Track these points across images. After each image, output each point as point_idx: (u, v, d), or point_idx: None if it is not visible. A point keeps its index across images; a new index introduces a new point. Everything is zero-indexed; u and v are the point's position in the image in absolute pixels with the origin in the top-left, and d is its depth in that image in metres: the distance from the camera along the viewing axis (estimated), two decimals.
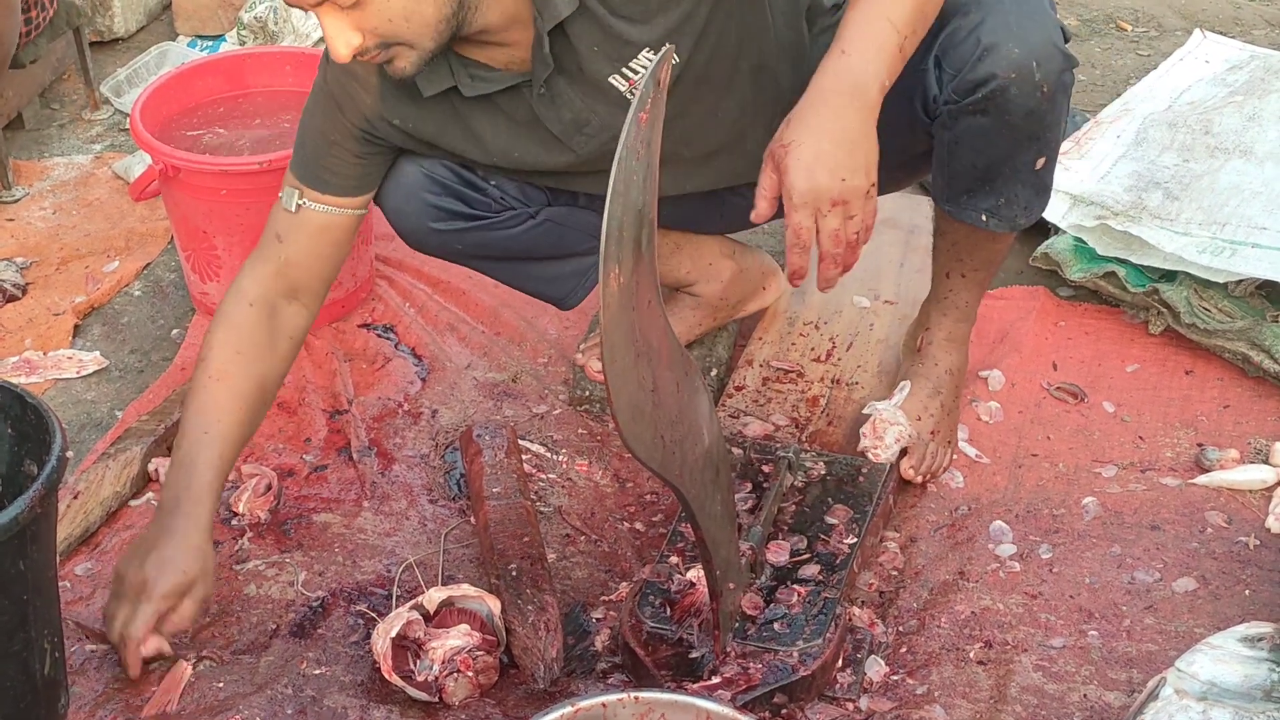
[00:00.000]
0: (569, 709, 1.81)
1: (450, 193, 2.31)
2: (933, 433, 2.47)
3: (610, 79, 2.12)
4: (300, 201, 2.26)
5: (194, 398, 2.22)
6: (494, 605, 2.13)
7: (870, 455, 2.43)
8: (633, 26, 2.06)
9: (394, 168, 2.31)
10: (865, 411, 2.50)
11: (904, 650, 2.18)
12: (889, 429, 2.44)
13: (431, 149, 2.27)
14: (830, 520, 2.31)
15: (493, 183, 2.34)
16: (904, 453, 2.46)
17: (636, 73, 2.11)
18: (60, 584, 2.08)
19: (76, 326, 2.95)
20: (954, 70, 2.11)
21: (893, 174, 2.26)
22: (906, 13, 1.92)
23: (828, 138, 1.86)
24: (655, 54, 2.06)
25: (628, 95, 2.12)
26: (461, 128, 2.22)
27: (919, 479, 2.46)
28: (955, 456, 2.51)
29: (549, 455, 2.59)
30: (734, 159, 2.32)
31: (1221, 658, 1.97)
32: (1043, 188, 2.27)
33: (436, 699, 2.08)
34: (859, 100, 1.89)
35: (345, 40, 1.95)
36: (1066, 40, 2.15)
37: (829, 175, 1.86)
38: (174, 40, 4.02)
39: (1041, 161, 2.21)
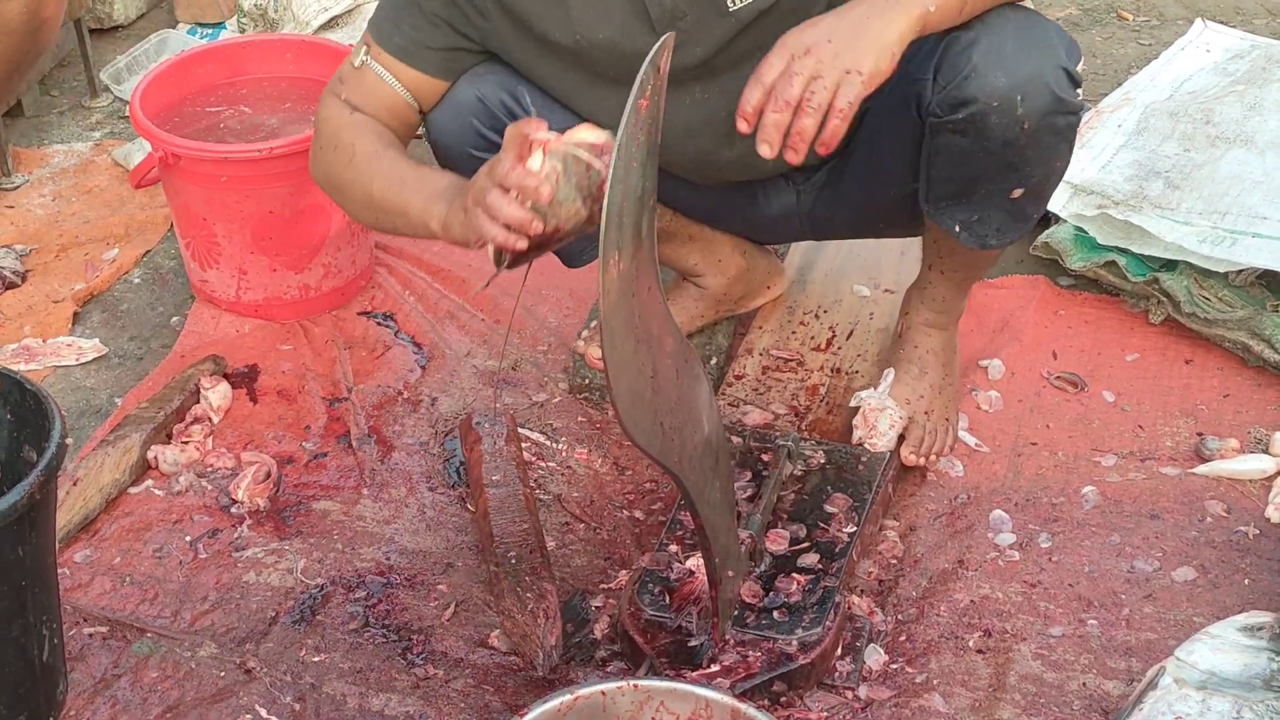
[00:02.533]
0: (569, 697, 1.81)
1: (498, 125, 2.26)
2: (926, 413, 2.47)
3: None
4: (364, 58, 2.24)
5: (372, 168, 2.17)
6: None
7: (869, 446, 2.43)
8: None
9: (451, 86, 2.29)
10: (853, 404, 2.50)
11: (903, 638, 2.18)
12: (881, 416, 2.44)
13: (513, 20, 2.22)
14: (829, 509, 2.31)
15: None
16: (902, 439, 2.46)
17: None
18: (59, 571, 2.09)
19: (76, 314, 2.95)
20: (942, 84, 2.10)
21: (898, 175, 2.26)
22: None
23: (840, 16, 1.93)
24: None
25: (729, 3, 2.12)
26: None
27: (921, 461, 2.46)
28: (955, 433, 2.51)
29: (548, 443, 2.59)
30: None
31: (1221, 647, 1.97)
32: (1021, 215, 2.25)
33: None
34: (890, 6, 1.93)
35: None
36: (1076, 83, 2.11)
37: (819, 34, 1.91)
38: (174, 28, 4.01)
39: (1019, 193, 2.18)
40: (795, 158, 1.94)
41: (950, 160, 2.17)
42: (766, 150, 1.93)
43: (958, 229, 2.25)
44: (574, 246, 2.47)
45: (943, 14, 1.99)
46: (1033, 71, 2.06)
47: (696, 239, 2.64)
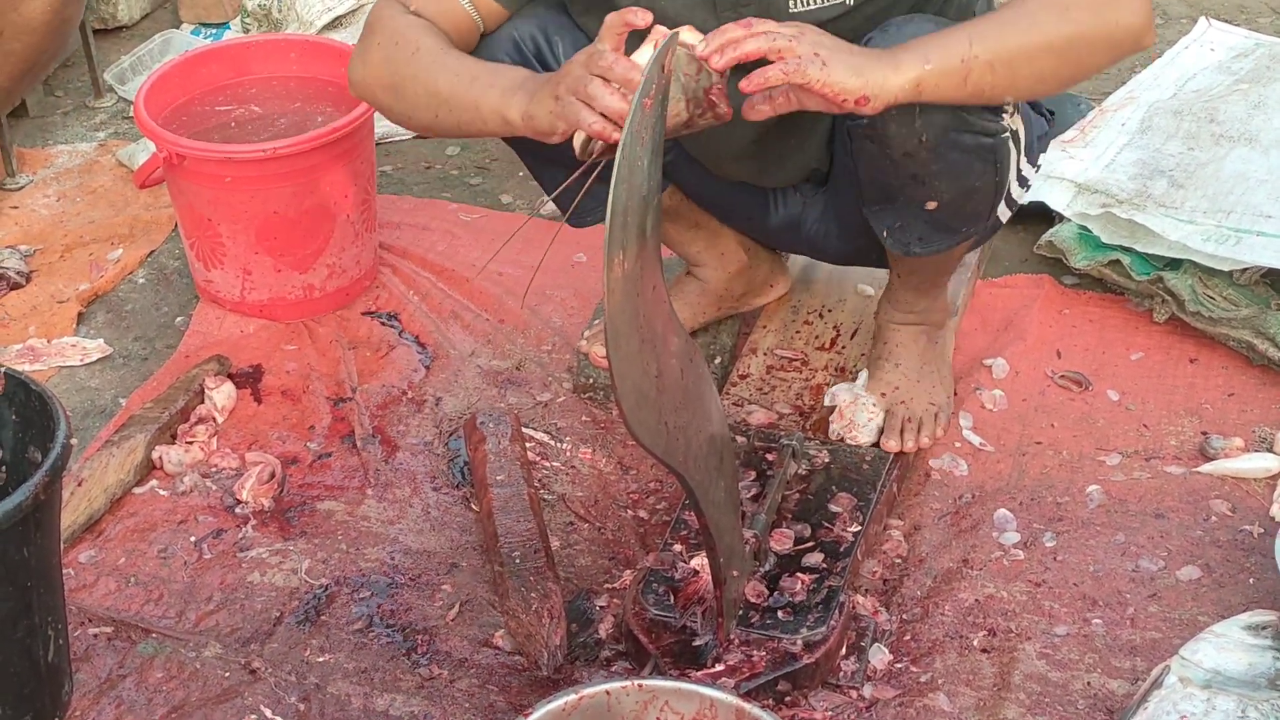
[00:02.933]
0: (573, 696, 1.81)
1: (527, 66, 2.20)
2: (903, 402, 2.48)
3: None
4: None
5: (438, 62, 2.10)
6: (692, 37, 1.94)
7: (849, 440, 2.44)
8: None
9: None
10: (827, 402, 2.52)
11: (908, 638, 2.18)
12: (857, 410, 2.46)
13: None
14: (834, 508, 2.31)
15: None
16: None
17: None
18: (64, 571, 2.09)
19: (80, 314, 2.95)
20: None
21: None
22: (947, 55, 1.93)
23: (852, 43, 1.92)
24: None
25: (790, 6, 2.08)
26: None
27: (907, 446, 2.46)
28: (945, 421, 2.52)
29: (553, 443, 2.59)
30: (813, 142, 2.33)
31: (1225, 646, 1.97)
32: (944, 228, 2.24)
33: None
34: (890, 61, 1.90)
35: None
36: (995, 108, 2.08)
37: (823, 32, 1.89)
38: (178, 28, 4.01)
39: (933, 205, 2.18)
40: (719, 61, 1.87)
41: (865, 165, 2.18)
42: (703, 47, 1.89)
43: (885, 234, 2.27)
44: (582, 204, 2.45)
45: (943, 80, 1.93)
46: None
47: (703, 227, 2.64)
